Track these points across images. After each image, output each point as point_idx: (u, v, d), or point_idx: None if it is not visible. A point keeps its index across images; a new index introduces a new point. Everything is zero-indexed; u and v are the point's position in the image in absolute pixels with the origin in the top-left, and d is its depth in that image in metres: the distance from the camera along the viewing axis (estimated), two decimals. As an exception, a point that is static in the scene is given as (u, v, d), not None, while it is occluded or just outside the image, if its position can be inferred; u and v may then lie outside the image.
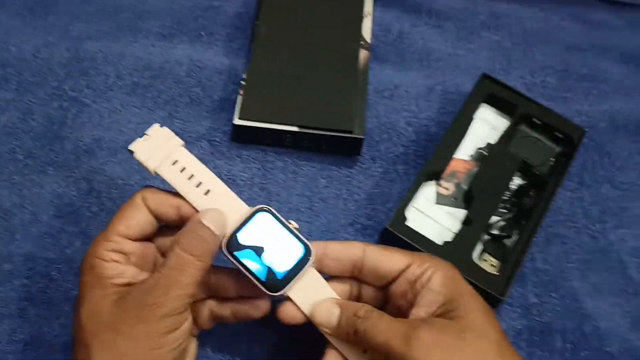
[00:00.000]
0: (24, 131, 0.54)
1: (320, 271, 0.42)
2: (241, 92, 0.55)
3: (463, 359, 0.36)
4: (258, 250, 0.40)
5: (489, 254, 0.51)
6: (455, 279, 0.40)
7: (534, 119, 0.57)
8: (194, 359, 0.43)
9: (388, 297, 0.42)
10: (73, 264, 0.48)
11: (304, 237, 0.41)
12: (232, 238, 0.40)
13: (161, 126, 0.41)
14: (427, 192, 0.54)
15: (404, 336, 0.36)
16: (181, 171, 0.40)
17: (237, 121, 0.53)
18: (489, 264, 0.50)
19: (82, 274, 0.39)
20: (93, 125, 0.55)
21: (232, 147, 0.56)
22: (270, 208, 0.41)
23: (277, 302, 0.41)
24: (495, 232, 0.52)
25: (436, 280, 0.39)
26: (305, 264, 0.40)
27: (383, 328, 0.37)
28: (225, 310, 0.42)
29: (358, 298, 0.43)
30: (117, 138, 0.55)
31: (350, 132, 0.53)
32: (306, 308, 0.41)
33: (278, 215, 0.41)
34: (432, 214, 0.53)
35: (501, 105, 0.58)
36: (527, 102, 0.57)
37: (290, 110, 0.54)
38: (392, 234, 0.49)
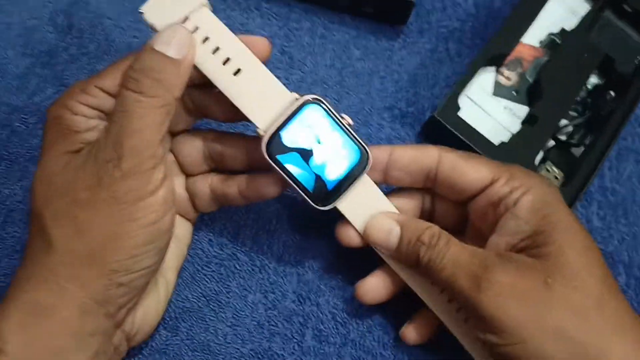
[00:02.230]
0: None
1: (385, 183, 0.34)
2: None
3: (544, 314, 0.28)
4: (305, 154, 0.31)
5: (553, 163, 0.42)
6: (551, 205, 0.30)
7: (624, 5, 0.46)
8: (186, 247, 0.35)
9: (468, 215, 0.34)
10: (43, 115, 0.38)
11: (360, 137, 0.32)
12: (275, 138, 0.30)
13: None
14: (484, 79, 0.44)
15: (473, 277, 0.29)
16: (203, 41, 0.30)
17: (260, -39, 0.42)
18: (552, 176, 0.41)
19: (46, 127, 0.30)
20: (78, -53, 0.44)
21: (250, -4, 0.45)
22: (321, 99, 0.31)
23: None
24: (562, 137, 0.42)
25: (525, 204, 0.30)
26: (361, 172, 0.32)
27: (450, 261, 0.30)
28: (231, 187, 0.33)
29: (430, 214, 0.35)
30: (108, -34, 0.43)
31: (400, -8, 0.43)
32: (359, 224, 0.33)
33: (330, 109, 0.31)
34: (487, 107, 0.43)
35: (585, -17, 0.47)
36: (619, -17, 0.46)
37: (329, -44, 0.43)
38: (439, 125, 0.40)
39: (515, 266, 0.29)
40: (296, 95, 0.31)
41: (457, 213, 0.35)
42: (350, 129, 0.32)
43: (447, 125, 0.40)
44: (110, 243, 0.28)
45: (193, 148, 0.34)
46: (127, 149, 0.27)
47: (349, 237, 0.34)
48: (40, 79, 0.39)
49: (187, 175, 0.35)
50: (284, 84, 0.31)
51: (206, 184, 0.34)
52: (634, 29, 0.46)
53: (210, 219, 0.38)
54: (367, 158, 0.32)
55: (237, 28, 0.43)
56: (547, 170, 0.41)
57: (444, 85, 0.44)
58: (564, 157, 0.42)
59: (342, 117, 0.32)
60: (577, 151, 0.43)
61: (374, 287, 0.35)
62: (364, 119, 0.42)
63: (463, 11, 0.47)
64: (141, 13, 0.29)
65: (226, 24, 0.31)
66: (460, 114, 0.41)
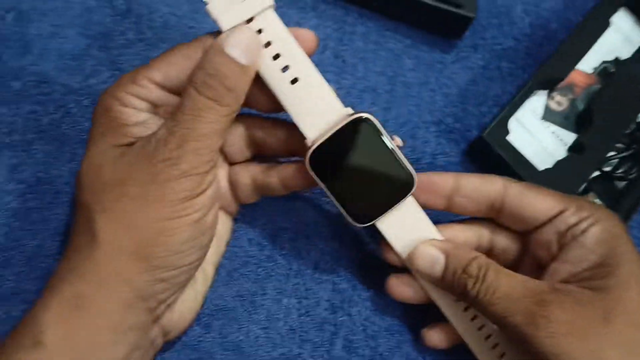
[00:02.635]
0: None
1: (449, 210, 0.34)
2: None
3: (602, 351, 0.27)
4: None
5: (597, 195, 0.41)
6: (618, 238, 0.30)
7: (683, 39, 0.45)
8: (225, 243, 0.36)
9: (526, 246, 0.34)
10: (96, 98, 0.38)
11: (408, 159, 0.32)
12: (321, 151, 0.31)
13: None
14: (535, 102, 0.43)
15: (529, 313, 0.28)
16: (265, 46, 0.30)
17: (323, -38, 0.42)
18: (594, 207, 0.41)
19: (94, 117, 0.30)
20: None
21: (307, -5, 0.44)
22: (372, 118, 0.31)
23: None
24: (607, 168, 0.42)
25: (593, 234, 0.30)
26: (405, 195, 0.32)
27: (502, 295, 0.29)
28: (273, 177, 0.33)
29: (489, 250, 0.35)
30: (169, -49, 0.43)
31: (459, 7, 0.42)
32: (400, 247, 0.33)
33: (381, 128, 0.31)
34: (535, 131, 0.43)
35: (646, 12, 0.46)
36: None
37: (390, -37, 0.42)
38: (486, 146, 0.40)
39: (573, 300, 0.29)
40: (350, 110, 0.31)
41: (516, 248, 0.34)
42: (398, 151, 0.32)
43: (495, 148, 0.40)
44: (156, 239, 0.28)
45: (237, 136, 0.34)
46: (190, 151, 0.28)
47: (389, 257, 0.34)
48: (96, 62, 0.40)
49: (230, 163, 0.35)
50: (336, 88, 0.31)
51: (247, 174, 0.34)
52: (690, 64, 0.46)
53: (251, 218, 0.38)
54: (413, 181, 0.32)
55: (292, 27, 0.43)
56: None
57: (492, 104, 0.44)
58: (607, 189, 0.42)
59: (392, 138, 0.32)
60: (620, 183, 0.42)
61: (406, 283, 0.34)
62: (410, 131, 0.42)
63: (519, 30, 0.46)
64: (205, 3, 0.29)
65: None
66: (508, 137, 0.40)
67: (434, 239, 0.33)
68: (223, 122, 0.28)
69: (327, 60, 0.43)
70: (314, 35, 0.32)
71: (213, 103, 0.28)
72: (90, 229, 0.28)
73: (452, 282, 0.31)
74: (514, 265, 0.34)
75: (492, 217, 0.34)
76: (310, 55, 0.31)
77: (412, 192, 0.32)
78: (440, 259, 0.32)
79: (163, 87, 0.30)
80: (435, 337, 0.35)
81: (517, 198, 0.32)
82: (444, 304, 0.34)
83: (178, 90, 0.30)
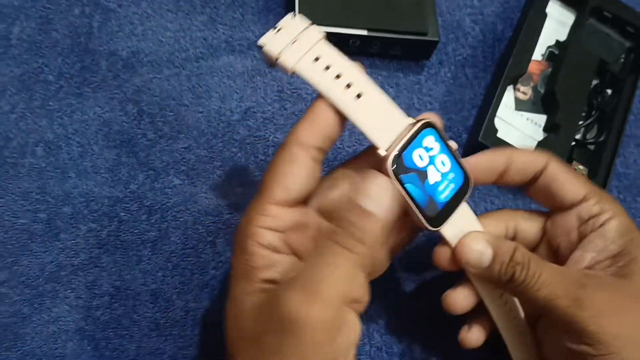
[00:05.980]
0: (47, 45, 0.45)
1: (496, 184, 0.37)
2: (297, -11, 0.47)
3: (636, 327, 0.31)
4: (421, 175, 0.32)
5: (577, 162, 0.49)
6: (633, 231, 0.34)
7: (605, 12, 0.53)
8: None
9: (545, 234, 0.37)
10: (143, 200, 0.42)
11: (463, 161, 0.34)
12: (398, 159, 0.31)
13: (294, 15, 0.32)
14: (505, 98, 0.50)
15: (573, 296, 0.31)
16: (325, 69, 0.32)
17: (299, 26, 0.46)
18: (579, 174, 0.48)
19: (234, 253, 0.32)
20: (125, 34, 0.47)
21: (290, 56, 0.49)
22: (434, 123, 0.33)
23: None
24: (578, 136, 0.49)
25: (613, 226, 0.34)
26: (464, 196, 0.34)
27: (546, 280, 0.32)
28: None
29: (513, 237, 0.38)
30: (158, 50, 0.47)
31: (425, 35, 0.48)
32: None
33: (442, 133, 0.33)
34: (514, 122, 0.49)
35: (571, -2, 0.54)
36: (598, -6, 0.53)
37: (357, 11, 0.48)
38: (483, 147, 0.46)
39: (610, 285, 0.32)
40: (411, 120, 0.33)
41: (534, 238, 0.38)
42: (456, 154, 0.33)
43: (492, 147, 0.46)
44: None
45: None
46: (333, 297, 0.28)
47: (442, 258, 0.35)
48: (130, 168, 0.43)
49: None
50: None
51: None
52: (615, 31, 0.54)
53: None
54: (469, 183, 0.34)
55: (285, 86, 0.47)
56: (575, 169, 0.48)
57: (470, 107, 0.50)
58: (584, 155, 0.49)
59: (449, 142, 0.33)
60: (592, 147, 0.50)
61: (461, 297, 0.36)
62: (413, 150, 0.48)
63: (473, 39, 0.53)
64: (261, 47, 0.31)
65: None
66: (498, 134, 0.47)
67: (479, 232, 0.34)
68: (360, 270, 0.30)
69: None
70: None
71: (356, 256, 0.29)
72: None
73: (500, 271, 0.33)
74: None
75: (527, 187, 0.37)
76: None
77: (470, 193, 0.34)
78: (488, 251, 0.33)
79: (286, 203, 0.31)
80: (474, 337, 0.37)
81: (553, 177, 0.35)
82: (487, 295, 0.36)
83: (297, 201, 0.32)
